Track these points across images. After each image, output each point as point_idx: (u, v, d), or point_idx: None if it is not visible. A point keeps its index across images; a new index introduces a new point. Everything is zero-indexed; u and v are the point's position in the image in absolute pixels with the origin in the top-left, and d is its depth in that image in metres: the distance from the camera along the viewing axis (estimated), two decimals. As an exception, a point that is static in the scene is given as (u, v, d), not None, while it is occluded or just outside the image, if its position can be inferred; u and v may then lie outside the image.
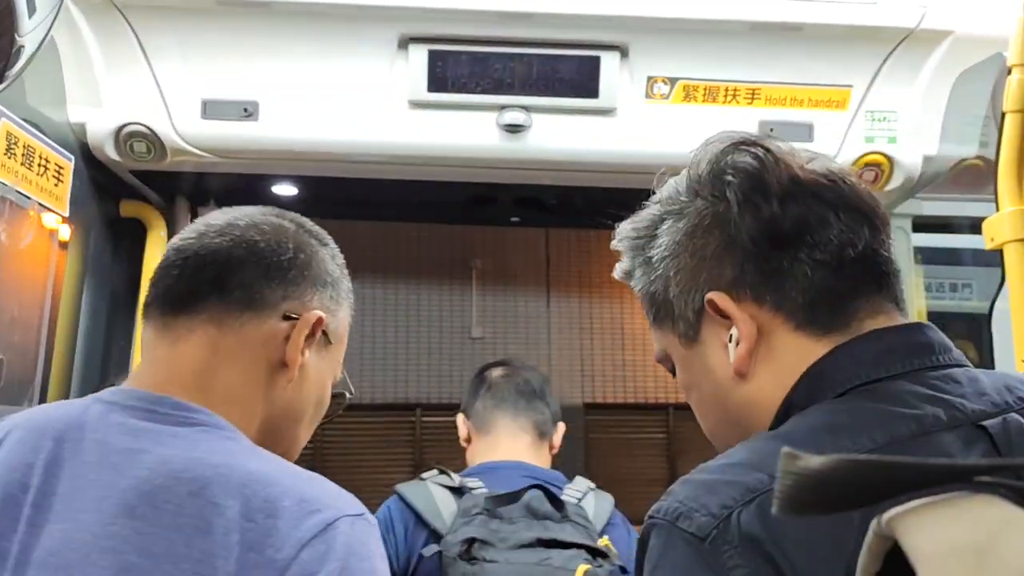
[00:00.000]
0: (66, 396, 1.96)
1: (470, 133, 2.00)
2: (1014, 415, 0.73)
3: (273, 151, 2.02)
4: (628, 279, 0.91)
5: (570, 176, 2.14)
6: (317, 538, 0.79)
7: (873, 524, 0.44)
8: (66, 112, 1.96)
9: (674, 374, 0.90)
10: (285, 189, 2.47)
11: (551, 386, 1.99)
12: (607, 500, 1.78)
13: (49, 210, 1.74)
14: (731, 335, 0.81)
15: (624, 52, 2.00)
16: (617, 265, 0.93)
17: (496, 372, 1.94)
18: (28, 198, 1.67)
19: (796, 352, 0.79)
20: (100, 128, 1.97)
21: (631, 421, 4.54)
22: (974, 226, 1.69)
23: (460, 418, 1.93)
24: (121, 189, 2.21)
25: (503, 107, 1.98)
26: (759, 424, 0.79)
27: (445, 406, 3.84)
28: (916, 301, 2.40)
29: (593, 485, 1.80)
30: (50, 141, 1.74)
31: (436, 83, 1.97)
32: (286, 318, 0.96)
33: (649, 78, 2.02)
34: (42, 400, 1.76)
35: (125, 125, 1.97)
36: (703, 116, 2.03)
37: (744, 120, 2.02)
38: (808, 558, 0.63)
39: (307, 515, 0.80)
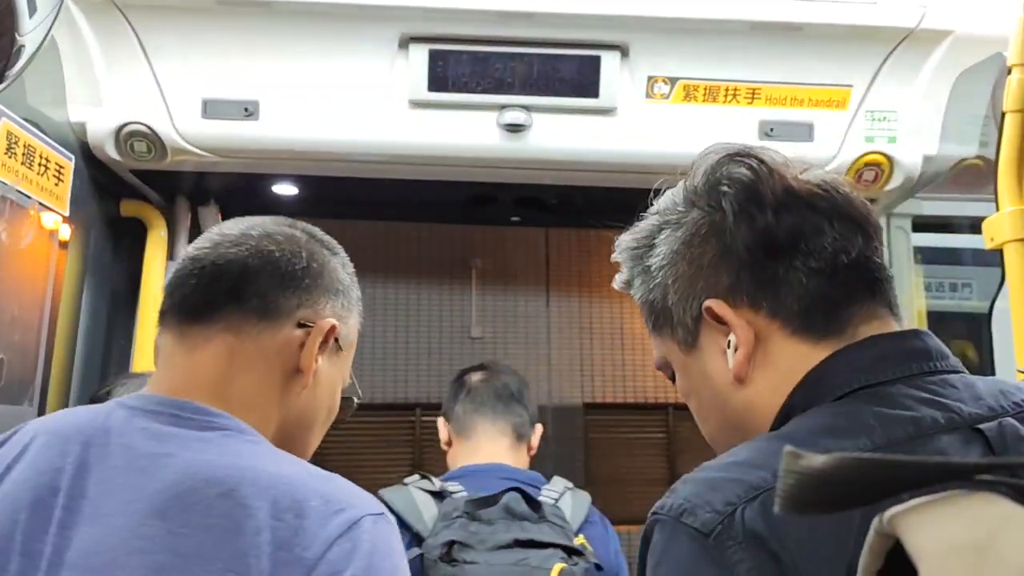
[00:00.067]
0: (66, 396, 1.96)
1: (470, 133, 2.00)
2: (1009, 419, 0.74)
3: (274, 150, 2.02)
4: (628, 288, 0.94)
5: (570, 176, 2.14)
6: (343, 536, 0.82)
7: (875, 523, 0.45)
8: (66, 111, 1.96)
9: (674, 381, 0.93)
10: (285, 189, 2.47)
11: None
12: (584, 499, 1.82)
13: (49, 209, 1.75)
14: (729, 341, 0.83)
15: (624, 52, 2.00)
16: (617, 276, 0.96)
17: (475, 377, 1.98)
18: (28, 197, 1.67)
19: (793, 357, 0.80)
20: (100, 127, 1.97)
21: (631, 421, 4.53)
22: (974, 226, 1.69)
23: (441, 422, 1.99)
24: (121, 188, 2.21)
25: (503, 107, 1.98)
26: (758, 428, 0.81)
27: (445, 406, 3.83)
28: (916, 301, 2.40)
29: (570, 484, 1.84)
30: (50, 140, 1.74)
31: (436, 83, 1.97)
32: (300, 326, 0.99)
33: (649, 78, 2.02)
34: (42, 400, 1.76)
35: (125, 124, 1.97)
36: (703, 116, 2.03)
37: (744, 120, 2.03)
38: (810, 554, 0.64)
39: (332, 515, 0.83)
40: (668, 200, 0.90)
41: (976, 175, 2.08)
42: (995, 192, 1.60)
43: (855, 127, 2.05)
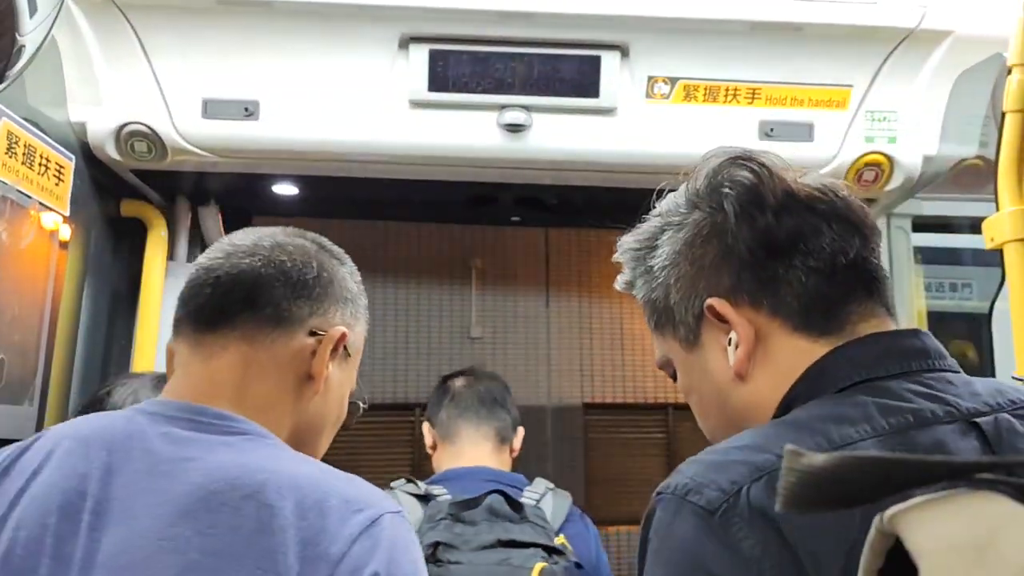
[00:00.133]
0: (66, 396, 1.96)
1: (470, 133, 2.00)
2: (1005, 415, 0.76)
3: (274, 150, 2.02)
4: (630, 289, 0.96)
5: (570, 176, 2.14)
6: (364, 534, 0.86)
7: (875, 521, 0.45)
8: (67, 111, 1.96)
9: (675, 379, 0.95)
10: (285, 189, 2.46)
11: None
12: (564, 499, 1.86)
13: (50, 209, 1.75)
14: (730, 339, 0.85)
15: (625, 52, 2.00)
16: (619, 277, 0.98)
17: (458, 382, 2.02)
18: (29, 197, 1.67)
19: (793, 354, 0.82)
20: (101, 127, 1.97)
21: (630, 421, 4.54)
22: (974, 226, 1.69)
23: (425, 426, 2.01)
24: (122, 188, 2.21)
25: (503, 107, 1.98)
26: (758, 424, 0.82)
27: (445, 406, 3.83)
28: (916, 301, 2.40)
29: (552, 485, 1.88)
30: (51, 140, 1.74)
31: (437, 83, 1.97)
32: (312, 334, 1.02)
33: (650, 78, 2.02)
34: (42, 400, 1.76)
35: (126, 124, 1.97)
36: (703, 116, 2.03)
37: (744, 120, 2.03)
38: (814, 534, 0.65)
39: (353, 513, 0.88)
40: (670, 202, 0.93)
41: (976, 175, 2.08)
42: (995, 192, 1.60)
43: (855, 127, 2.05)
